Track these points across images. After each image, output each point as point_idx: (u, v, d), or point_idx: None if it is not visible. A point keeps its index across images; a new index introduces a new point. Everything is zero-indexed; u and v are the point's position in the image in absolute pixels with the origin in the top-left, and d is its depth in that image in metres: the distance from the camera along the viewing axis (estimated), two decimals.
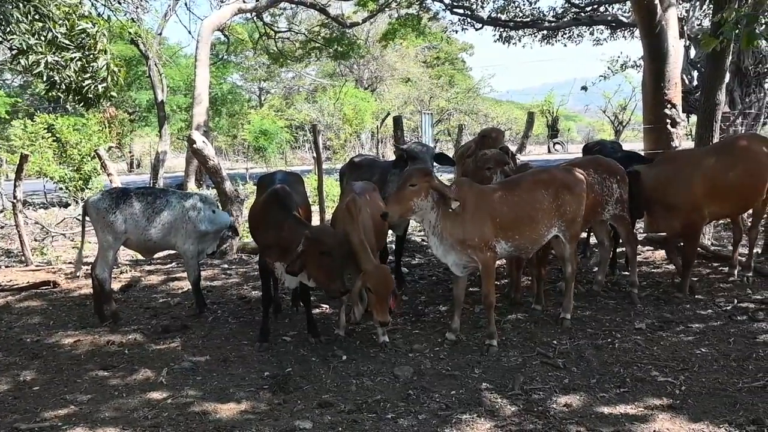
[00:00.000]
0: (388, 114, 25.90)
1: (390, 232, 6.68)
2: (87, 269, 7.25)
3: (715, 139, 7.77)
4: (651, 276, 6.92)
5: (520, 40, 19.81)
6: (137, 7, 17.49)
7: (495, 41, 19.56)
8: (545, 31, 19.44)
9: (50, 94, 6.56)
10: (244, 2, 17.22)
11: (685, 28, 13.32)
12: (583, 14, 18.32)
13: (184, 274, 7.70)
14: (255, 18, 20.90)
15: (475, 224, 4.84)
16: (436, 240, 4.95)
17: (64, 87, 6.37)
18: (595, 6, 18.25)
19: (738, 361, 4.55)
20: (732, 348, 4.80)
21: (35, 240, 10.12)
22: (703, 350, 4.79)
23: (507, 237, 5.03)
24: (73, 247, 9.74)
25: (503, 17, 18.69)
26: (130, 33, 19.21)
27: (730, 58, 8.11)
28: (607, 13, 18.15)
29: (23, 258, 8.99)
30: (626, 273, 6.53)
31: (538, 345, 5.07)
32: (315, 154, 10.06)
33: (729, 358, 4.60)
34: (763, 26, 6.45)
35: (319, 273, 4.83)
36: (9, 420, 4.11)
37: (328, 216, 8.99)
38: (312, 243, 4.78)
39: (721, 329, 5.20)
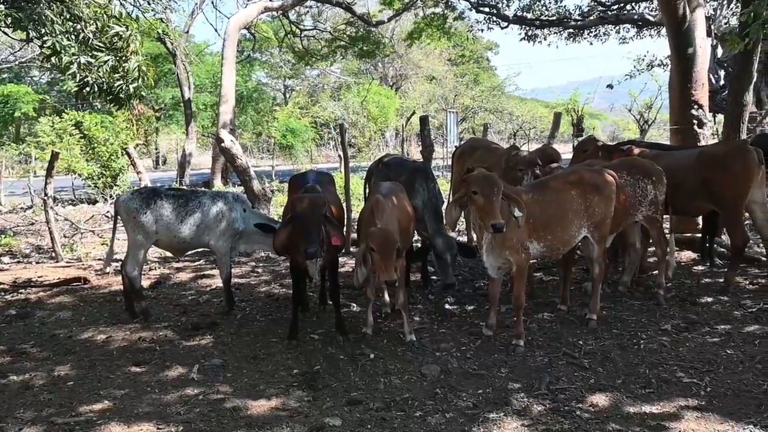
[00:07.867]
0: (414, 113, 25.91)
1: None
2: (117, 266, 7.34)
3: None
4: (676, 277, 6.88)
5: (545, 39, 19.63)
6: (166, 7, 17.59)
7: (520, 40, 19.50)
8: (571, 30, 19.30)
9: (84, 92, 6.59)
10: (270, 0, 17.17)
11: (712, 26, 13.08)
12: (609, 13, 18.11)
13: (212, 272, 7.93)
14: (281, 16, 20.91)
15: (512, 226, 4.86)
16: (485, 242, 5.01)
17: (96, 87, 6.44)
18: (622, 5, 18.06)
19: (764, 363, 4.57)
20: (758, 350, 4.82)
21: (65, 236, 10.12)
22: (728, 352, 4.83)
23: (540, 238, 5.12)
24: (102, 244, 9.83)
25: (529, 16, 18.58)
26: (158, 32, 19.24)
27: (758, 57, 8.03)
28: (634, 11, 17.93)
29: (53, 254, 9.11)
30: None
31: (564, 345, 5.12)
32: (342, 154, 10.11)
33: (755, 360, 4.63)
34: None
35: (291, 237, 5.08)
36: (45, 414, 4.17)
37: (355, 214, 9.07)
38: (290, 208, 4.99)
39: (747, 331, 5.22)
